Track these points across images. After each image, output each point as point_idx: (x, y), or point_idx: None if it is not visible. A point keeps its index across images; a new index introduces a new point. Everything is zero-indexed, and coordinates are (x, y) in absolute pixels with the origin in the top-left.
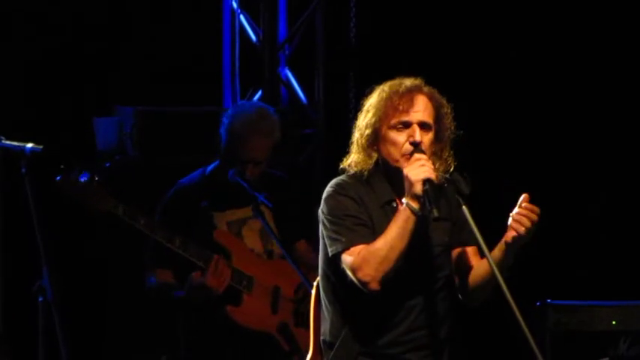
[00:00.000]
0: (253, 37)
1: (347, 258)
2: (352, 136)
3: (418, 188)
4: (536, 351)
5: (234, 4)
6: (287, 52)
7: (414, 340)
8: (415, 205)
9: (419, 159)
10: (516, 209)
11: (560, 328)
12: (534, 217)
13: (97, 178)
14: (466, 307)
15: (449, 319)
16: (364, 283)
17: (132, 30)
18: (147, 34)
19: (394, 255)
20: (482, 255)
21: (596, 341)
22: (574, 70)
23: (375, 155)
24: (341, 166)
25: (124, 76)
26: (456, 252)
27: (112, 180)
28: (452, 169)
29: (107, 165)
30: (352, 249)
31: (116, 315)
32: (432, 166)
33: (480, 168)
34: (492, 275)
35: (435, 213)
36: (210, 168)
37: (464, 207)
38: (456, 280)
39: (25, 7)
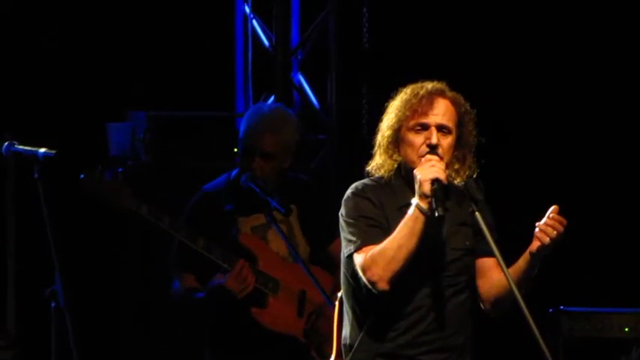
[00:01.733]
0: (266, 42)
1: (358, 258)
2: (375, 139)
3: (427, 188)
4: (549, 358)
5: (247, 9)
6: (299, 56)
7: (432, 342)
8: (424, 205)
9: (430, 159)
10: (544, 219)
11: (573, 334)
12: (560, 228)
13: (120, 177)
14: (489, 315)
15: (467, 324)
16: (373, 283)
17: (145, 35)
18: (160, 39)
19: (402, 254)
20: (495, 261)
21: (609, 348)
22: (586, 74)
23: (397, 158)
24: (366, 169)
25: (137, 82)
26: (479, 261)
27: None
28: (475, 175)
29: (120, 170)
30: (363, 249)
31: (128, 320)
32: (444, 167)
33: (495, 174)
34: (519, 285)
35: (440, 212)
36: (234, 173)
37: (477, 213)
38: (480, 289)
39: (40, 12)
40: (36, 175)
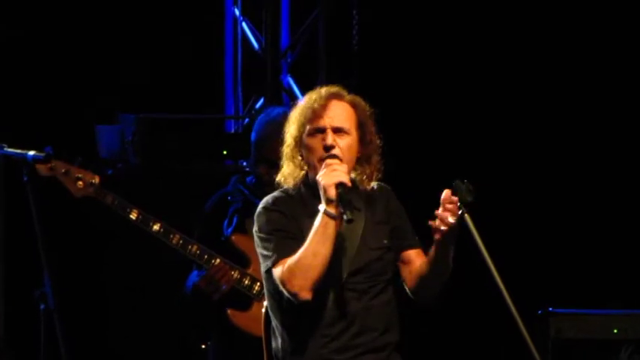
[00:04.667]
0: (255, 44)
1: (276, 272)
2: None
3: (332, 193)
4: (538, 359)
5: (237, 12)
6: (289, 59)
7: (363, 345)
8: (331, 210)
9: (330, 164)
10: (440, 208)
11: (561, 336)
12: (455, 211)
13: (79, 163)
14: (420, 307)
15: (395, 322)
16: (294, 294)
17: (134, 37)
18: (149, 41)
19: (318, 261)
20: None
21: (598, 350)
22: (577, 73)
23: (303, 166)
24: (276, 180)
25: (127, 84)
26: (402, 254)
27: (114, 187)
28: (380, 177)
29: (110, 172)
30: (280, 262)
31: (118, 322)
32: (345, 170)
33: (484, 172)
34: (435, 272)
35: (349, 216)
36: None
37: (466, 215)
38: (405, 280)
39: (27, 15)
40: (25, 178)
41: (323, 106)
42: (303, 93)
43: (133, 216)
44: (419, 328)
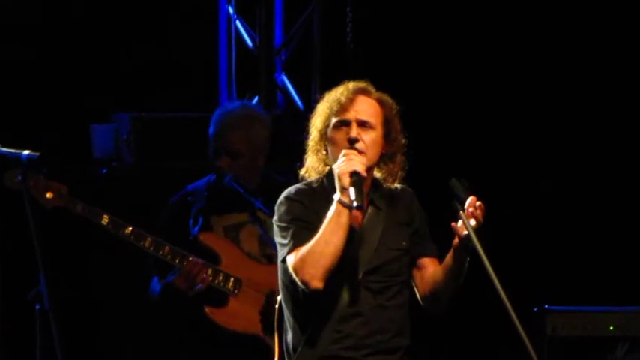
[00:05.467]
0: (249, 42)
1: (290, 260)
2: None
3: (346, 181)
4: (534, 357)
5: (231, 10)
6: (283, 57)
7: (375, 344)
8: (345, 199)
9: (348, 154)
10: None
11: (557, 333)
12: (480, 216)
13: (44, 174)
14: (429, 314)
15: (407, 326)
16: (306, 282)
17: (128, 36)
18: (143, 40)
19: (330, 250)
20: (449, 264)
21: (594, 347)
22: (573, 71)
23: (326, 159)
24: (300, 174)
25: (121, 83)
26: (418, 260)
27: (109, 187)
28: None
29: (104, 172)
30: (294, 250)
31: (113, 322)
32: (363, 161)
33: (479, 169)
34: (449, 279)
35: (358, 202)
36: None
37: (462, 213)
38: (418, 287)
39: (22, 13)
40: (20, 178)
41: (350, 100)
42: (298, 91)
43: (105, 221)
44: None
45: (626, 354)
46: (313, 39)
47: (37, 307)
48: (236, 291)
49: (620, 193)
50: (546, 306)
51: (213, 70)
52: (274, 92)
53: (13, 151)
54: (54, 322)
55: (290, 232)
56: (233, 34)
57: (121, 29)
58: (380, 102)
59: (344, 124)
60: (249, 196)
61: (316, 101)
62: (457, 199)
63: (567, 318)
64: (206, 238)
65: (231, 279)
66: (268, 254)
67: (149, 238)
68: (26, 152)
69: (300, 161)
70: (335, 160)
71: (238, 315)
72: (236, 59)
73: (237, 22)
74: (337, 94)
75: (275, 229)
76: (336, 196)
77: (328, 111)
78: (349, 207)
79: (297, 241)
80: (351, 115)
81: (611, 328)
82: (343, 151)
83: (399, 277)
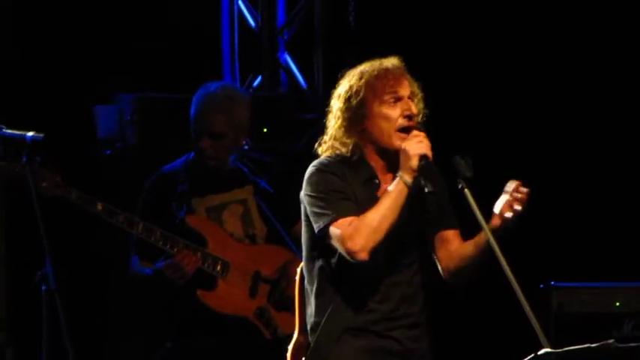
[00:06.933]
0: (252, 22)
1: (335, 230)
2: (327, 123)
3: (415, 162)
4: (541, 333)
5: None
6: (286, 37)
7: (399, 319)
8: (409, 178)
9: (417, 135)
10: (506, 195)
11: (564, 310)
12: (525, 200)
13: (38, 162)
14: (452, 286)
15: (426, 303)
16: (353, 253)
17: (131, 17)
18: (146, 20)
19: (385, 225)
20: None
21: (601, 323)
22: (573, 67)
23: (353, 139)
24: (318, 150)
25: (124, 64)
26: (441, 233)
27: (112, 168)
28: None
29: (108, 153)
30: (340, 221)
31: (119, 303)
32: (430, 145)
33: (483, 147)
34: (481, 256)
35: (430, 188)
36: (193, 154)
37: (466, 190)
38: (440, 260)
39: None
40: (24, 159)
41: (397, 76)
42: (301, 70)
43: (99, 208)
44: None
45: (633, 330)
46: (315, 18)
47: (44, 288)
48: (224, 274)
49: (627, 168)
50: (553, 282)
51: (216, 50)
52: (277, 72)
53: (17, 132)
54: (60, 303)
55: (330, 203)
56: (236, 14)
57: (125, 10)
58: (410, 79)
59: (397, 99)
60: (254, 177)
61: (320, 80)
62: (460, 177)
63: (574, 294)
64: (192, 221)
65: (220, 262)
66: (251, 234)
67: (141, 224)
68: (30, 134)
69: (303, 139)
70: (381, 135)
71: (228, 297)
72: (239, 39)
73: (240, 2)
74: (382, 68)
75: (307, 200)
76: (400, 174)
77: (376, 87)
78: (410, 187)
79: (341, 212)
80: (404, 92)
81: (618, 304)
82: (414, 132)
83: (424, 249)
